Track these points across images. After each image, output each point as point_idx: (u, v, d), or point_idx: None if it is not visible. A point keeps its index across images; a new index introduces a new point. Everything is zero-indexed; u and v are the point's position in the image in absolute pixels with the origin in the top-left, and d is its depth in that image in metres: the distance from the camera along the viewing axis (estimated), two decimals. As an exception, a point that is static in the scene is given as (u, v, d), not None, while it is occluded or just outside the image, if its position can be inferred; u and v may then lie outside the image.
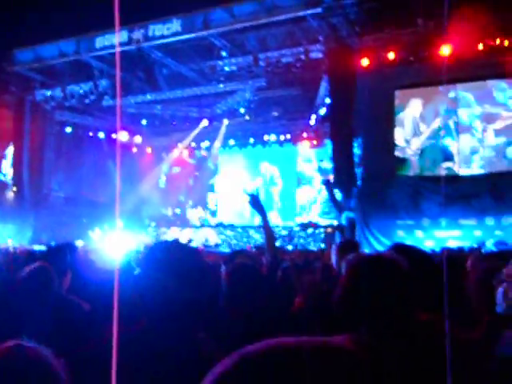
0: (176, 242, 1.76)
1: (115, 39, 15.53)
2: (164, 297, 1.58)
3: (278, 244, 15.98)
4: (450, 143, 14.68)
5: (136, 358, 1.41)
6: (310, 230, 16.73)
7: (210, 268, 4.63)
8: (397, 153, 15.23)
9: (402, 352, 1.56)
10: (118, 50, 15.19)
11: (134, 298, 1.58)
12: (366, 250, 11.32)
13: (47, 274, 3.01)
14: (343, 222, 15.08)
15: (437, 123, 14.88)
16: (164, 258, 1.66)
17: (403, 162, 15.20)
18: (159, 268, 1.63)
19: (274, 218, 20.38)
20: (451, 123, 14.69)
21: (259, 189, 5.83)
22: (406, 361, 1.54)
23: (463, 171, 14.56)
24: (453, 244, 12.15)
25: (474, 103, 14.56)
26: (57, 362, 1.28)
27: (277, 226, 18.79)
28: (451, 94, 14.72)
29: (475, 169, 14.49)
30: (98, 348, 1.53)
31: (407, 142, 15.21)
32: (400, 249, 2.65)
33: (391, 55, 13.73)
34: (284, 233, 17.55)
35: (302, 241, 16.69)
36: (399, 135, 15.27)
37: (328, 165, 17.08)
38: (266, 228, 3.41)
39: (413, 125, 15.17)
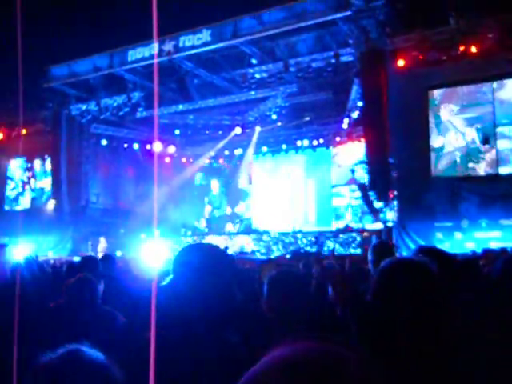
0: (208, 244, 1.76)
1: (147, 52, 15.78)
2: (198, 300, 1.57)
3: (314, 249, 15.88)
4: (486, 148, 14.28)
5: (172, 363, 1.41)
6: (345, 235, 16.55)
7: (245, 272, 4.64)
8: (433, 154, 14.95)
9: (432, 357, 1.53)
10: (156, 60, 15.40)
11: (170, 303, 1.57)
12: (404, 254, 11.15)
13: (91, 284, 3.06)
14: (380, 226, 14.91)
15: (473, 127, 14.49)
16: (196, 260, 1.65)
17: (440, 163, 14.90)
18: (192, 270, 1.62)
19: (310, 224, 20.29)
20: (487, 125, 14.29)
21: None
22: (437, 366, 1.51)
23: (503, 170, 14.18)
24: (494, 245, 11.85)
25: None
26: (116, 369, 1.28)
27: (312, 232, 18.69)
28: (488, 93, 14.36)
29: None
30: (134, 355, 1.53)
31: (443, 143, 14.91)
32: (427, 252, 2.61)
33: (423, 55, 13.55)
34: (318, 237, 17.44)
35: (338, 246, 16.53)
36: (435, 137, 14.99)
37: (362, 168, 16.91)
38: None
39: (449, 126, 14.88)
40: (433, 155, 14.95)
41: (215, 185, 24.19)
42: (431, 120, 15.03)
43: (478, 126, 14.34)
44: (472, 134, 14.49)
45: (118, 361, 1.59)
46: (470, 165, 14.46)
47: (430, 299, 1.64)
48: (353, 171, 19.20)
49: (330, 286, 2.01)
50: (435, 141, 14.96)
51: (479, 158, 14.37)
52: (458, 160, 14.66)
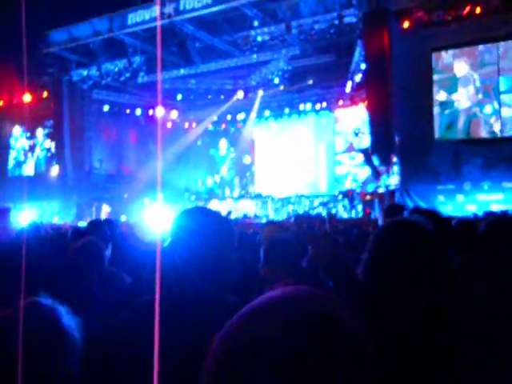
0: (206, 208, 1.79)
1: (147, 15, 15.55)
2: (194, 261, 1.61)
3: (316, 212, 15.97)
4: (490, 110, 14.07)
5: (174, 320, 1.46)
6: (348, 199, 16.60)
7: (246, 235, 4.70)
8: (436, 117, 14.80)
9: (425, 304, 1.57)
10: (159, 23, 15.20)
11: (169, 265, 1.62)
12: (407, 217, 11.18)
13: (97, 248, 3.12)
14: (382, 188, 14.93)
15: (473, 88, 14.25)
16: (194, 223, 1.69)
17: (443, 126, 14.77)
18: (189, 233, 1.66)
19: (313, 189, 20.33)
20: (491, 88, 14.05)
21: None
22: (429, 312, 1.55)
23: (505, 133, 14.07)
24: (496, 208, 11.88)
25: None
26: (70, 320, 1.35)
27: (316, 196, 18.76)
28: (494, 54, 14.09)
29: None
30: (139, 312, 1.59)
31: (446, 104, 14.72)
32: (422, 212, 2.65)
33: (427, 16, 13.32)
34: (324, 200, 17.54)
35: (342, 209, 16.62)
36: (439, 98, 14.79)
37: (365, 132, 16.85)
38: None
39: (451, 87, 14.67)
40: (437, 111, 14.62)
41: (223, 145, 24.05)
42: (437, 80, 14.77)
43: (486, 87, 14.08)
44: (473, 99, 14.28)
45: (124, 319, 1.65)
46: (474, 128, 14.33)
47: (427, 257, 1.67)
48: (356, 134, 19.12)
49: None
50: (442, 98, 14.66)
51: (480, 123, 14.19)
52: (462, 121, 14.50)
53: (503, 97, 13.83)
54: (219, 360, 0.66)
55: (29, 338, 1.20)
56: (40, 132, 22.10)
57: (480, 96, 14.16)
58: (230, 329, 0.67)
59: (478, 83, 14.20)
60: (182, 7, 14.95)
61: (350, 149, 19.55)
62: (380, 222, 3.86)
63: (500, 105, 13.83)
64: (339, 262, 1.82)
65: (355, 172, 19.32)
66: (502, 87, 13.82)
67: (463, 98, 14.41)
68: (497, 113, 13.89)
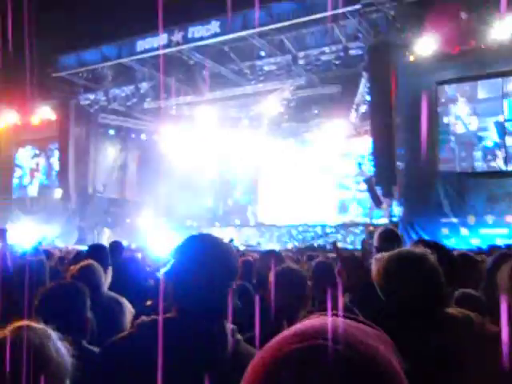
0: (209, 235, 1.78)
1: (155, 42, 15.77)
2: (196, 288, 1.60)
3: (317, 243, 15.91)
4: (492, 143, 14.11)
5: (172, 344, 1.45)
6: (351, 229, 16.56)
7: (247, 263, 4.67)
8: (440, 149, 14.81)
9: (428, 343, 1.55)
10: (161, 52, 15.40)
11: (169, 291, 1.63)
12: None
13: (94, 272, 3.09)
14: (385, 219, 14.89)
15: (478, 122, 14.30)
16: (196, 249, 1.68)
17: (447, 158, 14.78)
18: (191, 260, 1.65)
19: (316, 216, 20.27)
20: (493, 123, 14.10)
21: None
22: (431, 352, 1.53)
23: (510, 167, 14.06)
24: (500, 242, 11.82)
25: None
26: (60, 344, 1.38)
27: (315, 225, 18.71)
28: (498, 89, 14.17)
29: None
30: (138, 335, 1.58)
31: (449, 136, 14.76)
32: (426, 244, 2.63)
33: (432, 50, 13.47)
34: (325, 231, 17.48)
35: (341, 239, 16.56)
36: (443, 130, 14.83)
37: (369, 162, 16.89)
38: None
39: (455, 122, 14.74)
40: (440, 143, 14.66)
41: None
42: (440, 112, 14.85)
43: (492, 120, 14.13)
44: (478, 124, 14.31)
45: (123, 341, 1.63)
46: (478, 162, 14.34)
47: (431, 289, 1.66)
48: (360, 165, 19.17)
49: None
50: (445, 130, 14.73)
51: (485, 156, 14.21)
52: (466, 154, 14.53)
53: (508, 124, 13.88)
54: None
55: (14, 363, 1.23)
56: (45, 154, 22.23)
57: (483, 128, 14.23)
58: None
59: (481, 116, 14.29)
60: (190, 35, 15.16)
61: (358, 174, 19.58)
62: (374, 245, 3.76)
63: (504, 135, 13.86)
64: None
65: (361, 197, 19.30)
66: (507, 113, 13.87)
67: (467, 131, 14.47)
68: (500, 146, 13.92)
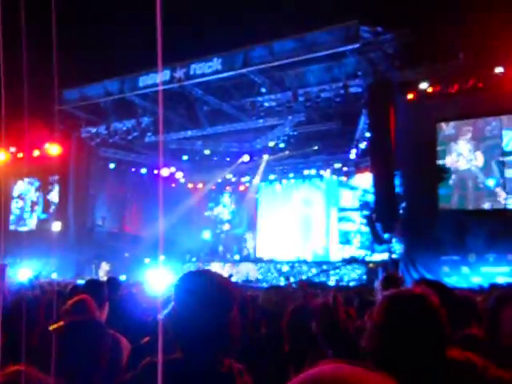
0: (209, 271, 1.76)
1: (158, 78, 15.97)
2: (196, 325, 1.57)
3: (319, 279, 15.77)
4: (493, 182, 14.15)
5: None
6: (351, 266, 16.44)
7: (247, 300, 4.60)
8: (439, 187, 14.84)
9: None
10: (160, 88, 15.57)
11: (169, 328, 1.60)
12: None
13: (88, 307, 3.04)
14: (385, 257, 14.80)
15: (480, 160, 14.37)
16: (197, 287, 1.66)
17: (447, 196, 14.79)
18: (192, 298, 1.63)
19: (316, 252, 20.17)
20: (494, 162, 14.17)
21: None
22: None
23: (510, 203, 14.05)
24: (502, 280, 11.72)
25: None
26: None
27: (317, 262, 18.58)
28: (496, 128, 14.29)
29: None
30: (141, 375, 1.54)
31: (449, 174, 14.80)
32: (429, 284, 2.60)
33: (431, 88, 13.64)
34: (325, 267, 17.33)
35: (344, 277, 16.41)
36: (443, 168, 14.88)
37: (370, 199, 16.87)
38: None
39: (456, 159, 14.80)
40: (440, 181, 14.70)
41: (227, 201, 24.14)
42: (440, 151, 14.93)
43: (493, 158, 14.20)
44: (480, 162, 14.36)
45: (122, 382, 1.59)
46: (479, 200, 14.35)
47: (433, 332, 1.62)
48: (360, 201, 19.17)
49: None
50: (445, 169, 14.79)
51: (485, 194, 14.23)
52: (466, 192, 14.54)
53: (508, 159, 13.93)
54: None
55: None
56: (45, 186, 22.24)
57: (482, 166, 14.27)
58: None
59: (480, 155, 14.35)
60: (192, 72, 15.35)
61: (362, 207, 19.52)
62: (378, 292, 3.87)
63: (503, 172, 13.90)
64: (338, 331, 1.77)
65: (363, 230, 19.19)
66: (505, 143, 13.93)
67: (466, 169, 14.52)
68: (501, 184, 13.95)
